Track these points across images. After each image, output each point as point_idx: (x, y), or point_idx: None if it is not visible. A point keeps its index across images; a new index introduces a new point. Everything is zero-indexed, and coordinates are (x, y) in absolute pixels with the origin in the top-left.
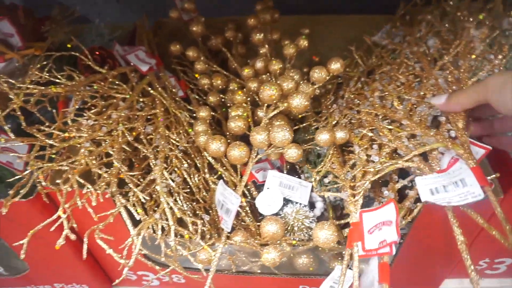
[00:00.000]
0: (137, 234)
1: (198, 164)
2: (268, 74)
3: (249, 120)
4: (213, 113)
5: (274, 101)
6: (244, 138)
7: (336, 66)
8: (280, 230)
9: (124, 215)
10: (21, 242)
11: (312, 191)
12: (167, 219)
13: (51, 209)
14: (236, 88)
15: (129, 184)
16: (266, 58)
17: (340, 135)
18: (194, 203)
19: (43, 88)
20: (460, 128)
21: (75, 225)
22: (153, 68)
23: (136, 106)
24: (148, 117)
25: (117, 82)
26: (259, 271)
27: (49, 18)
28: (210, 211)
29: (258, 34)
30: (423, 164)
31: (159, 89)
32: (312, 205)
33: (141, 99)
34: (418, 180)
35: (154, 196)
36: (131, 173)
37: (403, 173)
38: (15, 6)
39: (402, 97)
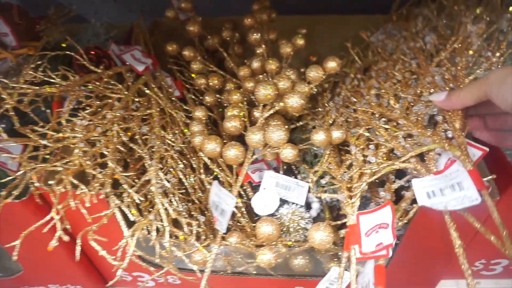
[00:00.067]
0: (131, 236)
1: (193, 165)
2: (265, 74)
3: (245, 120)
4: (210, 113)
5: (270, 101)
6: (241, 138)
7: (332, 65)
8: (276, 231)
9: (118, 216)
10: (13, 243)
11: (308, 191)
12: (161, 220)
13: (45, 210)
14: (232, 88)
15: (123, 185)
16: (262, 58)
17: (337, 135)
18: (190, 204)
19: (37, 88)
20: (457, 129)
21: (68, 227)
22: (149, 68)
23: (131, 106)
24: (144, 117)
25: (112, 82)
26: (254, 272)
27: (45, 18)
28: (206, 212)
29: (255, 34)
30: (420, 165)
31: (155, 89)
32: (308, 206)
33: (136, 99)
34: (414, 183)
35: (149, 196)
36: (125, 174)
37: (399, 173)
38: (10, 5)
39: (398, 95)
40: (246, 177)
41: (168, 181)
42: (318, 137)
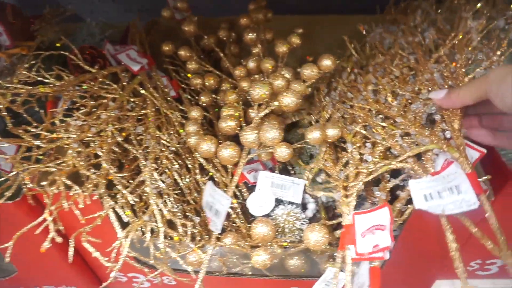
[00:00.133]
0: (125, 237)
1: (189, 165)
2: (261, 74)
3: (241, 120)
4: (205, 113)
5: (266, 100)
6: (236, 139)
7: (327, 63)
8: (271, 232)
9: (112, 217)
10: (6, 245)
11: (304, 191)
12: (156, 221)
13: (38, 211)
14: (228, 88)
15: (117, 186)
16: (258, 57)
17: (332, 132)
18: (185, 205)
19: (30, 88)
20: (456, 129)
21: (61, 228)
22: (144, 68)
23: (126, 106)
24: (139, 117)
25: (107, 82)
26: (250, 273)
27: (40, 17)
28: (201, 213)
29: (250, 34)
30: (417, 165)
31: (150, 89)
32: (304, 206)
33: (131, 99)
34: (411, 184)
35: (143, 197)
36: (120, 175)
37: (395, 171)
38: (4, 4)
39: (396, 92)
40: (241, 178)
41: (163, 182)
42: (313, 135)
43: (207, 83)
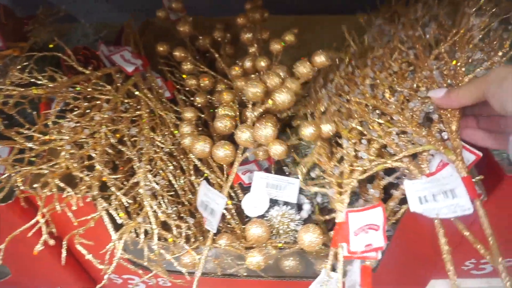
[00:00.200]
0: (118, 239)
1: (183, 166)
2: (256, 73)
3: (237, 119)
4: (200, 114)
5: (260, 99)
6: (232, 139)
7: (320, 59)
8: (265, 233)
9: (106, 219)
10: None
11: (300, 191)
12: (150, 223)
13: (31, 213)
14: (224, 89)
15: (111, 188)
16: (254, 57)
17: (327, 128)
18: (180, 206)
19: (22, 89)
20: (454, 131)
21: (54, 230)
22: (139, 69)
23: (120, 108)
24: (133, 118)
25: (101, 83)
26: (245, 274)
27: (33, 18)
28: (196, 214)
29: (247, 34)
30: (413, 165)
31: (145, 90)
32: (299, 207)
33: (125, 101)
34: (407, 185)
35: (138, 199)
36: (113, 176)
37: (389, 169)
38: None
39: (394, 88)
40: (236, 179)
41: (157, 183)
42: (307, 130)
43: (202, 84)
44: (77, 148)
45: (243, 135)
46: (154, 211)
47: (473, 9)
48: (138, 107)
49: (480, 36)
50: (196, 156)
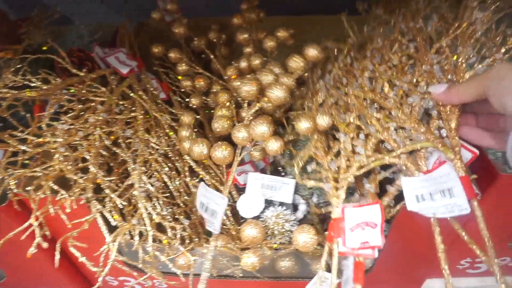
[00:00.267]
0: (112, 241)
1: (179, 168)
2: (252, 74)
3: (234, 119)
4: (196, 115)
5: (255, 97)
6: (230, 139)
7: (313, 52)
8: (260, 234)
9: (100, 221)
10: None
11: (295, 192)
12: (145, 225)
13: (25, 216)
14: (219, 90)
15: (105, 190)
16: (249, 56)
17: (322, 121)
18: (175, 207)
19: (16, 92)
20: (453, 129)
21: (47, 233)
22: (134, 71)
23: (115, 110)
24: (128, 120)
25: (95, 85)
26: (241, 275)
27: (27, 20)
28: (191, 215)
29: (243, 34)
30: (410, 162)
31: (140, 91)
32: (295, 207)
33: (120, 102)
34: (404, 182)
35: (132, 201)
36: (107, 178)
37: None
38: None
39: (393, 83)
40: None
41: (152, 185)
42: (303, 125)
43: (197, 85)
44: (71, 150)
45: (239, 134)
46: (149, 213)
47: (476, 2)
48: (133, 108)
49: (483, 30)
50: (195, 158)
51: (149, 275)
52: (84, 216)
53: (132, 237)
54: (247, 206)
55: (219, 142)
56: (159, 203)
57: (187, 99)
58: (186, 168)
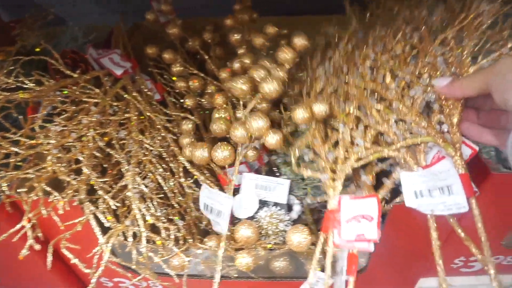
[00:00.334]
0: (105, 242)
1: (173, 169)
2: (246, 74)
3: (233, 119)
4: (189, 116)
5: (248, 94)
6: (227, 140)
7: (301, 41)
8: (254, 234)
9: (93, 223)
10: None
11: (290, 192)
12: (139, 226)
13: (17, 217)
14: (214, 91)
15: (98, 191)
16: (240, 57)
17: (319, 108)
18: (169, 208)
19: (8, 93)
20: (455, 124)
21: (40, 235)
22: (128, 72)
23: (108, 111)
24: (122, 121)
25: (89, 87)
26: (236, 275)
27: (20, 21)
28: (185, 216)
29: (235, 35)
30: (409, 156)
31: (134, 93)
32: (289, 208)
33: (114, 103)
34: (403, 177)
35: (126, 202)
36: (101, 180)
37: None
38: None
39: (395, 73)
40: (226, 180)
41: (146, 186)
42: (299, 114)
43: (191, 86)
44: (64, 152)
45: (237, 133)
46: (143, 214)
47: None
48: (127, 109)
49: (489, 23)
50: (197, 162)
51: (142, 276)
52: (77, 217)
53: (125, 238)
54: (242, 206)
55: (219, 143)
56: (153, 204)
57: (181, 100)
58: (181, 169)
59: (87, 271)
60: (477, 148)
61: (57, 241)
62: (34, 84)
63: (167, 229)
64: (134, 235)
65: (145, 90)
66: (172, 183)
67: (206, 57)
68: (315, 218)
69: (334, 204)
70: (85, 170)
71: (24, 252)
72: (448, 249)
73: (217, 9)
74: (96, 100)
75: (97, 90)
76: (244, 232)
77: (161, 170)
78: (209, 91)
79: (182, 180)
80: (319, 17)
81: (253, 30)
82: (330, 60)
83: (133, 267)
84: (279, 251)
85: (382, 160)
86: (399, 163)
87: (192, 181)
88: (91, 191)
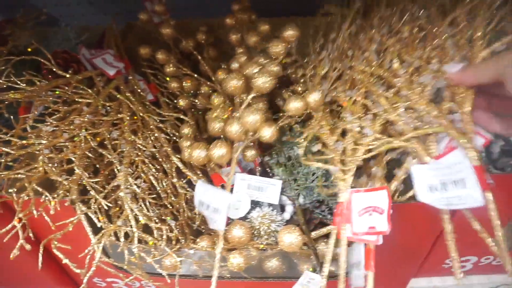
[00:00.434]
0: (97, 242)
1: (166, 169)
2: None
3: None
4: (184, 117)
5: (242, 90)
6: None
7: (289, 32)
8: (247, 234)
9: (85, 223)
10: None
11: (283, 193)
12: (131, 226)
13: (8, 217)
14: (207, 91)
15: (90, 192)
16: (236, 57)
17: (313, 97)
18: (162, 209)
19: None
20: (467, 113)
21: (31, 235)
22: (121, 72)
23: (101, 111)
24: (115, 121)
25: (81, 87)
26: (228, 275)
27: (12, 21)
28: (178, 216)
29: (234, 35)
30: (421, 146)
31: (127, 93)
32: (282, 208)
33: (107, 104)
34: (415, 171)
35: (119, 202)
36: (93, 180)
37: None
38: None
39: (403, 58)
40: (219, 181)
41: (138, 186)
42: (293, 104)
43: (185, 86)
44: (56, 152)
45: (232, 128)
46: (135, 214)
47: None
48: (120, 110)
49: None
50: (197, 163)
51: (134, 277)
52: (69, 217)
53: (118, 239)
54: (234, 206)
55: (216, 140)
56: (145, 204)
57: (175, 101)
58: (174, 169)
59: (78, 271)
60: (490, 137)
61: (49, 241)
62: (25, 85)
63: (159, 229)
64: (126, 235)
65: (138, 90)
66: (165, 184)
67: (200, 58)
68: (307, 218)
69: (345, 197)
70: (77, 170)
71: (15, 252)
72: (439, 250)
73: (210, 10)
74: (88, 101)
75: (90, 91)
76: (237, 233)
77: (154, 170)
78: (203, 91)
79: (175, 180)
80: (317, 18)
81: (252, 32)
82: (333, 43)
83: (125, 267)
84: (271, 251)
85: (391, 149)
86: (410, 152)
87: (185, 181)
88: (84, 191)
